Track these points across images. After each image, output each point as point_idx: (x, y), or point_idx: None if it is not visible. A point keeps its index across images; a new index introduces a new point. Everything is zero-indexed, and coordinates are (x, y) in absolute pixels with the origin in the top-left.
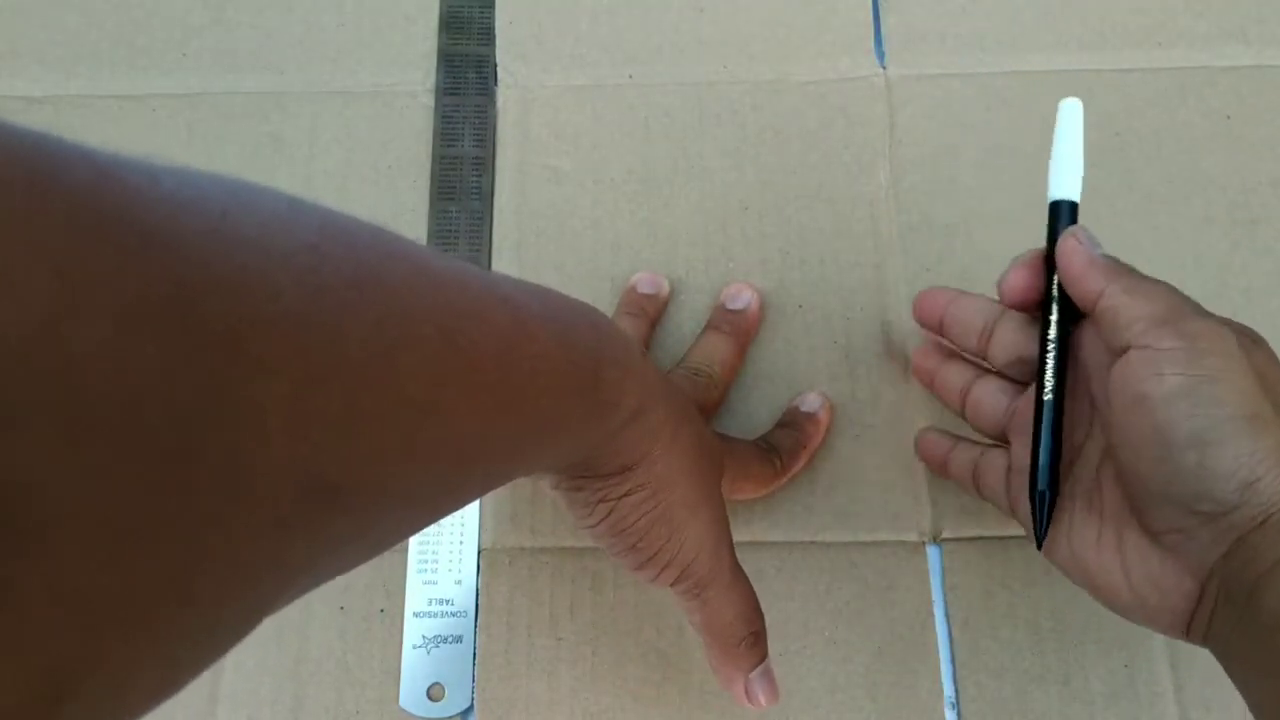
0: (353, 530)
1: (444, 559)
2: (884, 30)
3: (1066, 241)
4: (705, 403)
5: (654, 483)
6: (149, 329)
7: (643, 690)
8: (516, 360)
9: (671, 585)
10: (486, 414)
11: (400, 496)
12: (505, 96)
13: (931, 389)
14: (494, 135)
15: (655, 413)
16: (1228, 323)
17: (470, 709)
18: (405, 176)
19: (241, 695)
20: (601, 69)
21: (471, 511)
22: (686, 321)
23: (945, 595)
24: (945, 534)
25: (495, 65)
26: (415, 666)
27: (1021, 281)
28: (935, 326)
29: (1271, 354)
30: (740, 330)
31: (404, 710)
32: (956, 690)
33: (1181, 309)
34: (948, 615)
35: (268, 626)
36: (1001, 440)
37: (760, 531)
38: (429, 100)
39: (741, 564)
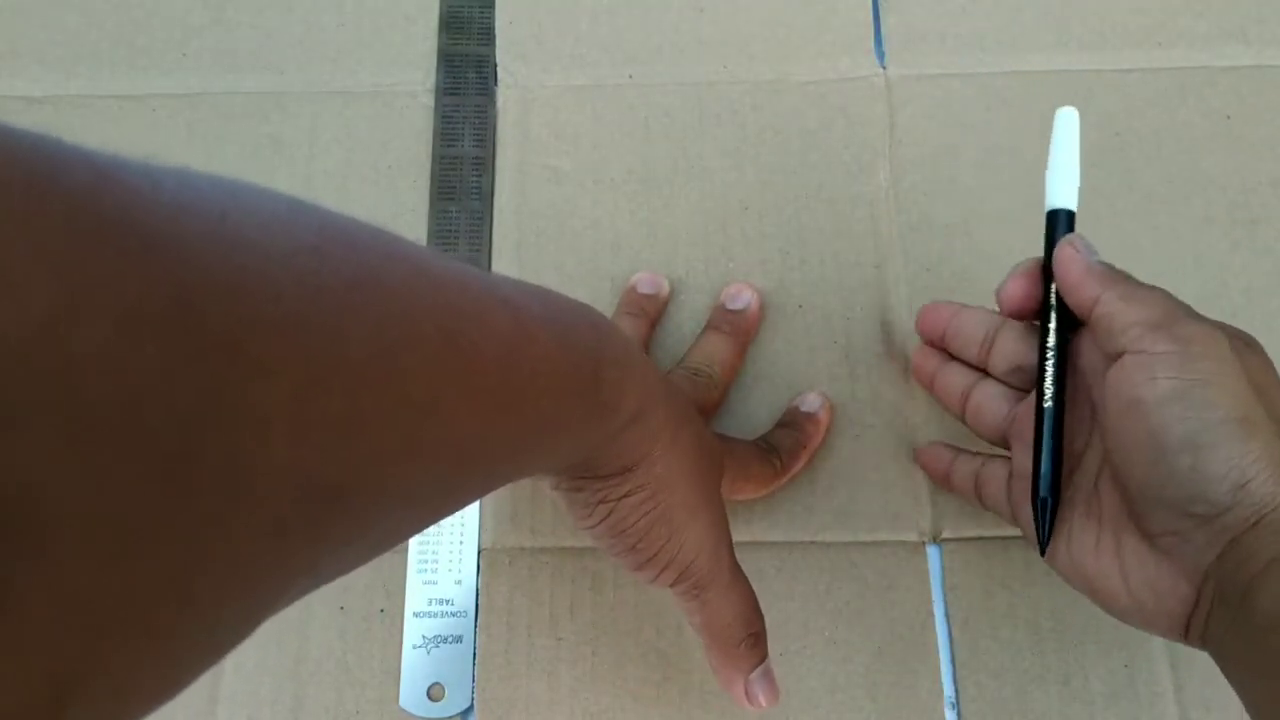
0: (353, 531)
1: (444, 559)
2: (884, 30)
3: (1063, 250)
4: (705, 403)
5: (654, 484)
6: (149, 331)
7: (643, 690)
8: (517, 362)
9: (671, 586)
10: (487, 415)
11: (401, 497)
12: (505, 96)
13: (931, 391)
14: (494, 135)
15: (655, 414)
16: (1222, 327)
17: (470, 709)
18: (405, 176)
19: (241, 695)
20: (601, 69)
21: (471, 511)
22: (686, 321)
23: (945, 595)
24: (945, 534)
25: (495, 65)
26: (415, 666)
27: (1020, 290)
28: (938, 340)
29: (1265, 358)
30: (740, 330)
31: (404, 710)
32: (956, 690)
33: (1175, 314)
34: (948, 615)
35: (268, 626)
36: (1002, 445)
37: (760, 531)
38: (429, 100)
39: (741, 564)
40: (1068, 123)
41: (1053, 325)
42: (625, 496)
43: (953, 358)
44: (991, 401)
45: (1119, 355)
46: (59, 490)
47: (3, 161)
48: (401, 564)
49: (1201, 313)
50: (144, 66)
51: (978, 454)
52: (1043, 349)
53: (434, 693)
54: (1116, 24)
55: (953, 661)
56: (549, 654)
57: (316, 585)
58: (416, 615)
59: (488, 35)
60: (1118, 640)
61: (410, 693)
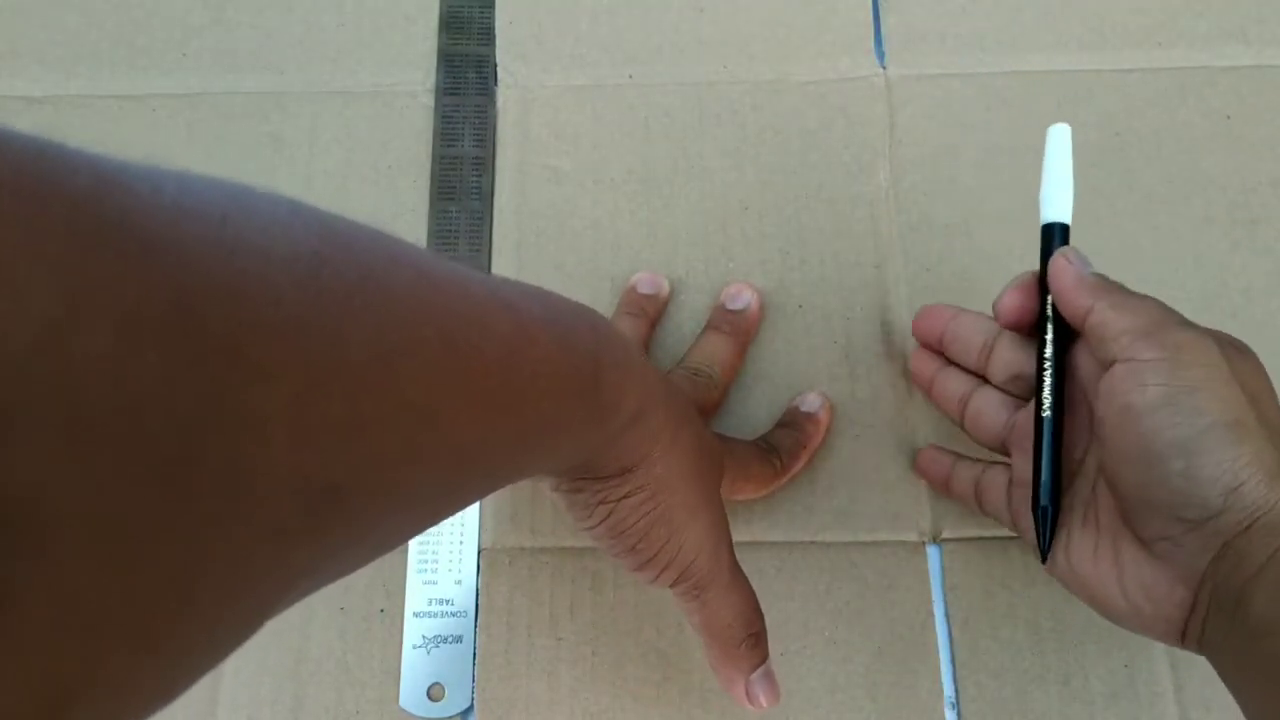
0: (353, 534)
1: (444, 559)
2: (884, 30)
3: (1057, 262)
4: (705, 403)
5: (653, 484)
6: (149, 335)
7: (643, 690)
8: (517, 364)
9: (671, 586)
10: (487, 418)
11: (401, 500)
12: (505, 96)
13: (929, 396)
14: (494, 135)
15: (655, 415)
16: (1213, 334)
17: (470, 709)
18: (405, 176)
19: (242, 695)
20: (601, 69)
21: (471, 512)
22: (686, 321)
23: (945, 595)
24: (945, 534)
25: (495, 65)
26: (415, 666)
27: (1016, 302)
28: (935, 343)
29: (1257, 364)
30: (740, 330)
31: (404, 710)
32: (956, 690)
33: (1166, 322)
34: (948, 615)
35: (268, 627)
36: (1001, 451)
37: (760, 531)
38: (429, 100)
39: (741, 564)
40: (1060, 139)
41: (1049, 336)
42: (625, 497)
43: (950, 362)
44: (990, 409)
45: (1111, 363)
46: (59, 493)
47: (4, 165)
48: (401, 564)
49: (1202, 313)
50: (144, 66)
51: (977, 460)
52: (1040, 359)
53: (434, 693)
54: (1116, 24)
55: (953, 661)
56: (549, 654)
57: (317, 587)
58: (416, 615)
59: (488, 35)
60: (1118, 640)
61: (410, 693)
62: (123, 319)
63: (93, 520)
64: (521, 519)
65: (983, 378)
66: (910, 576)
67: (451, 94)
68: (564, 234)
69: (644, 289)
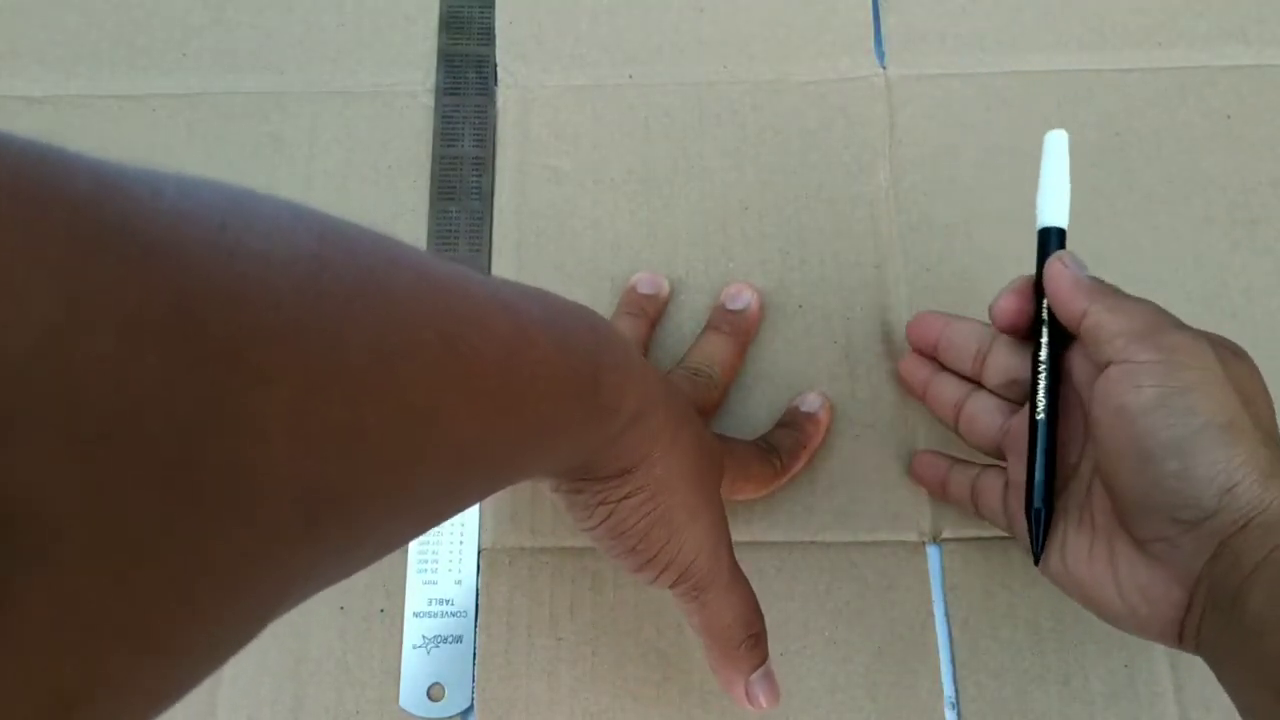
0: (354, 536)
1: (444, 559)
2: (884, 30)
3: (1053, 265)
4: (705, 403)
5: (653, 485)
6: (150, 339)
7: (643, 690)
8: (517, 366)
9: (671, 587)
10: (487, 420)
11: (401, 502)
12: (505, 96)
13: (922, 400)
14: (494, 135)
15: (655, 416)
16: (1208, 336)
17: (470, 709)
18: (405, 176)
19: (242, 695)
20: (601, 69)
21: (471, 512)
22: (686, 321)
23: (945, 595)
24: (945, 534)
25: (495, 65)
26: (415, 666)
27: (1012, 306)
28: (930, 350)
29: (1252, 366)
30: (740, 330)
31: (404, 710)
32: (956, 690)
33: (1160, 324)
34: (948, 615)
35: (268, 627)
36: (996, 455)
37: (760, 531)
38: (429, 100)
39: (741, 564)
40: (1057, 144)
41: (1044, 340)
42: (625, 498)
43: (943, 367)
44: (985, 414)
45: (1106, 365)
46: (60, 495)
47: (3, 169)
48: (401, 564)
49: (1202, 313)
50: (144, 66)
51: (973, 464)
52: (1035, 363)
53: (434, 693)
54: (1116, 24)
55: (953, 661)
56: (549, 654)
57: (318, 590)
58: (416, 615)
59: (488, 35)
60: (1118, 640)
61: (410, 693)
62: (123, 323)
63: (93, 522)
64: (521, 519)
65: (977, 383)
66: (910, 576)
67: (451, 94)
68: (564, 234)
69: (644, 289)
